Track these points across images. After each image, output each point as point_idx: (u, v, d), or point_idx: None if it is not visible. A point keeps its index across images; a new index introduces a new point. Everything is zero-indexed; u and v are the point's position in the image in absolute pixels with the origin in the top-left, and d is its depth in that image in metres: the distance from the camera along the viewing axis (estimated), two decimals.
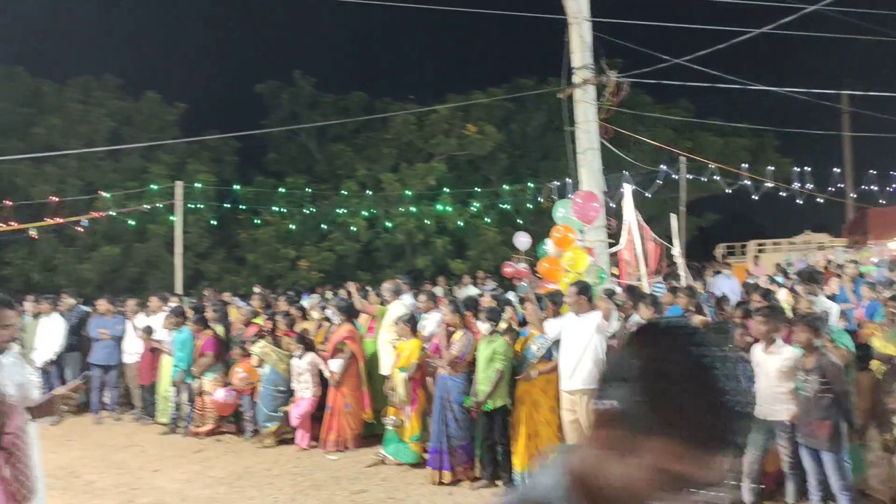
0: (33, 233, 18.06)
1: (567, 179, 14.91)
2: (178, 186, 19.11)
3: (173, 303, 11.76)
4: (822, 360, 5.19)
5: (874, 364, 6.38)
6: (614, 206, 13.65)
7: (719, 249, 25.36)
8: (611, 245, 10.80)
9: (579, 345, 6.50)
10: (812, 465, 5.21)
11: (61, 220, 18.66)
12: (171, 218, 19.65)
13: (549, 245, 9.24)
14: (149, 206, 20.38)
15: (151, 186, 20.89)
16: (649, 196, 18.71)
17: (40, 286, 19.23)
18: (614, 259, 11.33)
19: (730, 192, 20.58)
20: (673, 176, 19.14)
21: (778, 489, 5.82)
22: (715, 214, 28.58)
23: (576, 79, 9.72)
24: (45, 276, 20.68)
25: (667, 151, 16.07)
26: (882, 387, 6.22)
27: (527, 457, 6.78)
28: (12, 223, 17.74)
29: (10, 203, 18.08)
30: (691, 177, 19.86)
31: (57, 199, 18.63)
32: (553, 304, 7.16)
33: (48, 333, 11.26)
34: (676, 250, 11.31)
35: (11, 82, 23.38)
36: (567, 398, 6.54)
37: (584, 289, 6.73)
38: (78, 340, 11.64)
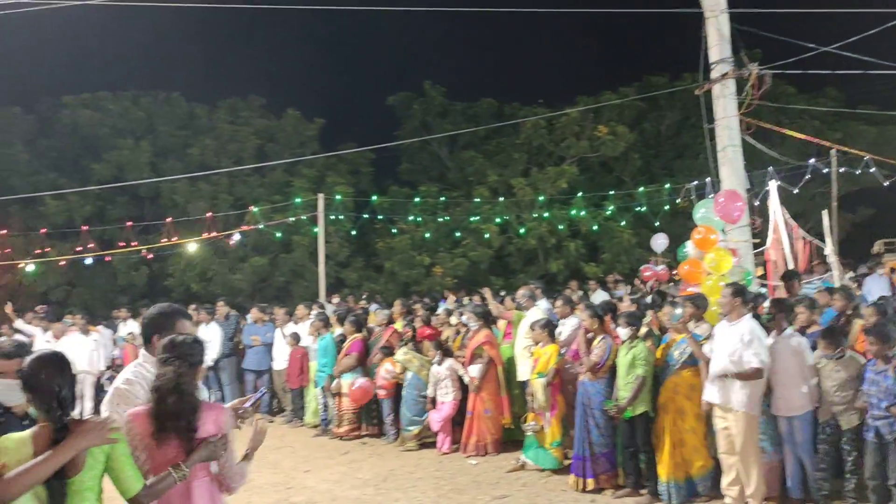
0: (191, 246, 19.43)
1: (706, 178, 14.36)
2: (320, 199, 19.97)
3: (317, 310, 12.30)
4: None
5: None
6: (758, 203, 13.04)
7: (877, 246, 23.54)
8: (756, 245, 10.32)
9: (726, 354, 6.15)
10: None
11: (216, 235, 19.95)
12: (314, 229, 20.54)
13: (689, 247, 8.95)
14: (293, 219, 21.42)
15: (296, 200, 21.97)
16: (796, 192, 17.66)
17: (198, 296, 20.68)
18: (760, 259, 10.84)
19: (887, 184, 19.06)
20: (823, 170, 17.99)
21: None
22: (870, 209, 26.58)
23: (714, 74, 9.36)
24: (201, 286, 22.14)
25: (814, 144, 15.11)
26: None
27: (672, 466, 6.59)
28: (174, 238, 19.18)
29: (171, 219, 19.56)
30: (843, 170, 18.59)
31: (211, 215, 19.93)
32: (695, 307, 6.92)
33: (206, 341, 12.05)
34: (829, 248, 10.65)
35: (170, 108, 25.36)
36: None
37: (738, 291, 6.27)
38: (232, 347, 12.40)
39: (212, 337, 11.96)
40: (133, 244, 19.88)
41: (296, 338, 11.41)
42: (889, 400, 5.49)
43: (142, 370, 3.61)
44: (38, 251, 19.68)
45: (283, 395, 11.98)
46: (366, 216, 22.78)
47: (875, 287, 11.43)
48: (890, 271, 17.02)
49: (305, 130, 26.33)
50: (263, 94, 27.55)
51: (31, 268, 19.22)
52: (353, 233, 23.64)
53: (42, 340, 11.77)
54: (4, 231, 20.07)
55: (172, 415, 3.21)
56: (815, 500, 6.09)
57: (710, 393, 6.27)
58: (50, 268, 20.55)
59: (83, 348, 11.84)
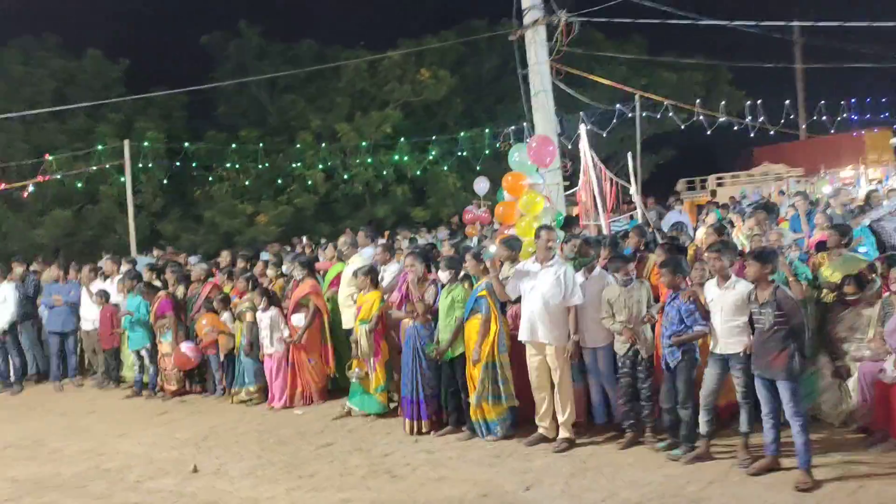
0: None
1: (524, 123, 14.82)
2: (126, 145, 18.54)
3: (127, 266, 11.53)
4: (777, 293, 5.25)
5: (823, 293, 6.53)
6: (571, 147, 13.64)
7: (680, 185, 25.58)
8: (567, 187, 10.83)
9: (548, 293, 6.46)
10: (766, 395, 5.32)
11: (7, 186, 18.12)
12: (121, 178, 19.14)
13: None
14: (96, 168, 19.83)
15: (98, 147, 20.29)
16: (605, 135, 18.69)
17: None
18: (572, 199, 11.38)
19: (683, 128, 20.63)
20: (628, 115, 19.08)
21: (732, 419, 5.97)
22: (672, 151, 28.66)
23: (526, 20, 9.57)
24: None
25: (622, 90, 16.00)
26: (831, 315, 6.39)
27: (474, 407, 6.84)
28: None
29: None
30: (646, 114, 19.79)
31: (2, 164, 18.05)
32: (509, 249, 7.19)
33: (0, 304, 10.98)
34: (633, 189, 11.37)
35: None
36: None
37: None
38: (33, 308, 11.43)
39: (6, 298, 10.94)
40: None
41: (103, 296, 10.66)
42: (672, 329, 5.93)
43: None
44: None
45: (94, 356, 11.22)
46: (180, 164, 21.49)
47: (674, 221, 12.41)
48: (688, 207, 18.53)
49: (110, 72, 24.27)
50: (60, 32, 24.99)
51: None
52: (165, 181, 22.27)
53: None
54: None
55: None
56: (618, 424, 6.57)
57: (527, 331, 6.55)
58: None
59: None
